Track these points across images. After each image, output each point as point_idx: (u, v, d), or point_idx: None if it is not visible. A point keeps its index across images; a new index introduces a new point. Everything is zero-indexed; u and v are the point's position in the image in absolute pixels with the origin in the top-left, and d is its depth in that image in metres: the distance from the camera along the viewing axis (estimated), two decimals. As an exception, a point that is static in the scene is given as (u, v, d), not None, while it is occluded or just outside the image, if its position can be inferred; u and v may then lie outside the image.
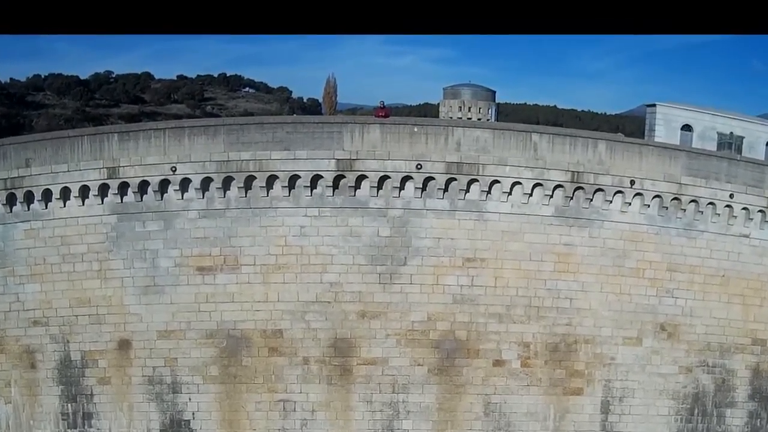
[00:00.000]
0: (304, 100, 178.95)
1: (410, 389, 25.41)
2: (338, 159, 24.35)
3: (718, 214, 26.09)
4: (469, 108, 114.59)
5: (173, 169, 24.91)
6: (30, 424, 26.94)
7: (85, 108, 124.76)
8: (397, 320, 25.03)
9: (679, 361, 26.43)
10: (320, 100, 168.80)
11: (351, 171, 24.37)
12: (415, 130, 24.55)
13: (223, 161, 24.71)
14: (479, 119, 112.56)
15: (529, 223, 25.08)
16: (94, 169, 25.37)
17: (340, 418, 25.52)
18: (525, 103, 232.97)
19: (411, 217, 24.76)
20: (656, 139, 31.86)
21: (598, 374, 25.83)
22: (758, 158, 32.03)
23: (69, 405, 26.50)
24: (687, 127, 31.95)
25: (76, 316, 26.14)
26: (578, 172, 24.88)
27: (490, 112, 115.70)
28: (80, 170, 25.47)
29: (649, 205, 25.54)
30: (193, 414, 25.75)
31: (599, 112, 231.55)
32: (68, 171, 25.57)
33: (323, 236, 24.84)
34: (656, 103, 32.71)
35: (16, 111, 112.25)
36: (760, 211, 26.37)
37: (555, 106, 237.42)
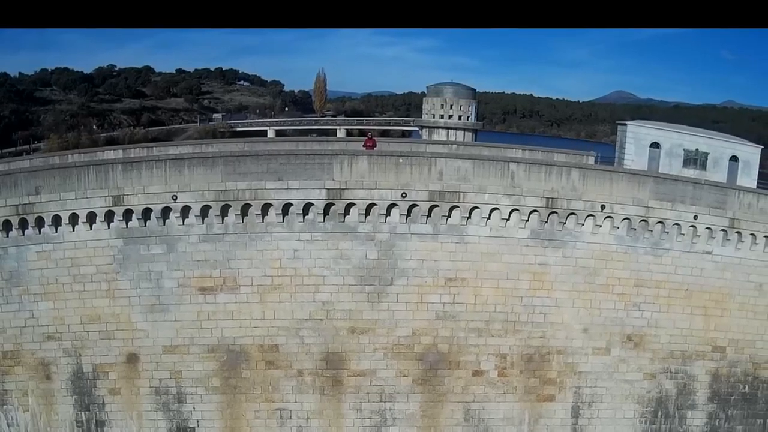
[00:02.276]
0: (296, 93, 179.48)
1: (396, 398, 26.66)
2: (328, 188, 25.36)
3: (683, 234, 27.28)
4: (451, 105, 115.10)
5: (174, 197, 25.80)
6: (47, 430, 28.20)
7: (90, 103, 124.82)
8: (384, 335, 26.23)
9: (644, 368, 27.82)
10: (311, 93, 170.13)
11: (340, 199, 25.42)
12: (401, 161, 25.54)
13: (221, 190, 25.67)
14: (460, 117, 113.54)
15: (507, 245, 26.21)
16: (100, 197, 26.16)
17: (332, 425, 26.83)
18: (504, 92, 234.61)
19: (397, 240, 25.86)
20: (626, 156, 32.89)
21: (569, 382, 27.20)
22: (722, 174, 33.17)
23: (83, 413, 27.72)
24: (655, 145, 32.87)
25: (87, 331, 27.21)
26: (552, 198, 26.02)
27: (471, 109, 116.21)
28: (87, 198, 26.25)
29: (618, 227, 26.71)
30: (198, 422, 27.04)
31: (573, 100, 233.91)
32: (76, 198, 26.35)
33: (315, 259, 25.91)
34: (627, 122, 33.68)
35: (25, 107, 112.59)
36: (722, 230, 27.59)
37: (531, 94, 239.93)
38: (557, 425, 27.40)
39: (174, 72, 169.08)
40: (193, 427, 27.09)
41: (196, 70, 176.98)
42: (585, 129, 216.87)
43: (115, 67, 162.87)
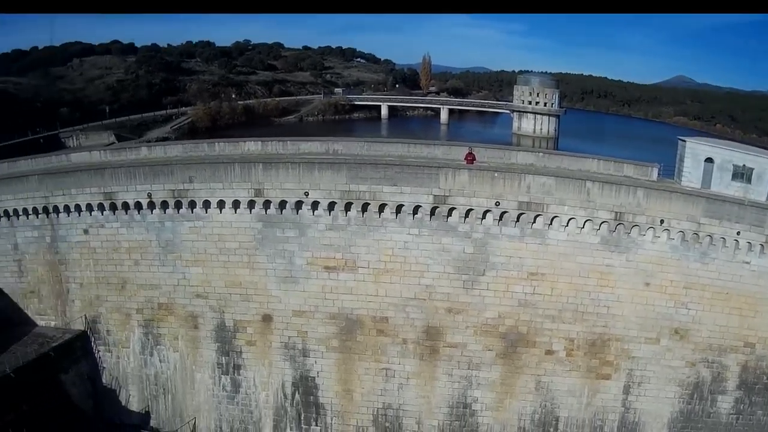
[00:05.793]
0: (405, 71, 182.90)
1: (481, 368, 28.82)
2: (435, 195, 27.29)
3: (727, 246, 28.30)
4: (537, 94, 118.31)
5: (306, 194, 28.16)
6: (192, 368, 31.58)
7: (229, 75, 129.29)
8: (475, 316, 28.29)
9: (686, 357, 29.17)
10: (417, 69, 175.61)
11: (444, 204, 27.38)
12: (495, 175, 27.29)
13: (345, 191, 27.86)
14: (545, 104, 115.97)
15: (580, 248, 27.77)
16: (244, 189, 28.70)
17: (427, 385, 29.23)
18: (581, 74, 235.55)
19: (489, 239, 27.75)
20: (684, 169, 33.14)
21: (623, 364, 28.81)
22: (765, 187, 32.97)
23: (223, 357, 30.89)
24: (709, 160, 32.94)
25: (230, 294, 30.19)
26: (621, 212, 27.41)
27: (554, 97, 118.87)
28: (233, 189, 28.85)
29: (674, 238, 27.99)
30: (318, 373, 29.87)
31: (640, 83, 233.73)
32: (223, 188, 28.97)
33: (422, 250, 28.01)
34: (686, 138, 33.82)
35: (173, 76, 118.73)
36: (760, 244, 28.47)
37: (606, 77, 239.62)
38: (610, 399, 29.16)
39: (301, 48, 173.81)
40: (314, 377, 29.95)
41: (319, 47, 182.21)
42: (651, 110, 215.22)
43: (250, 42, 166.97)
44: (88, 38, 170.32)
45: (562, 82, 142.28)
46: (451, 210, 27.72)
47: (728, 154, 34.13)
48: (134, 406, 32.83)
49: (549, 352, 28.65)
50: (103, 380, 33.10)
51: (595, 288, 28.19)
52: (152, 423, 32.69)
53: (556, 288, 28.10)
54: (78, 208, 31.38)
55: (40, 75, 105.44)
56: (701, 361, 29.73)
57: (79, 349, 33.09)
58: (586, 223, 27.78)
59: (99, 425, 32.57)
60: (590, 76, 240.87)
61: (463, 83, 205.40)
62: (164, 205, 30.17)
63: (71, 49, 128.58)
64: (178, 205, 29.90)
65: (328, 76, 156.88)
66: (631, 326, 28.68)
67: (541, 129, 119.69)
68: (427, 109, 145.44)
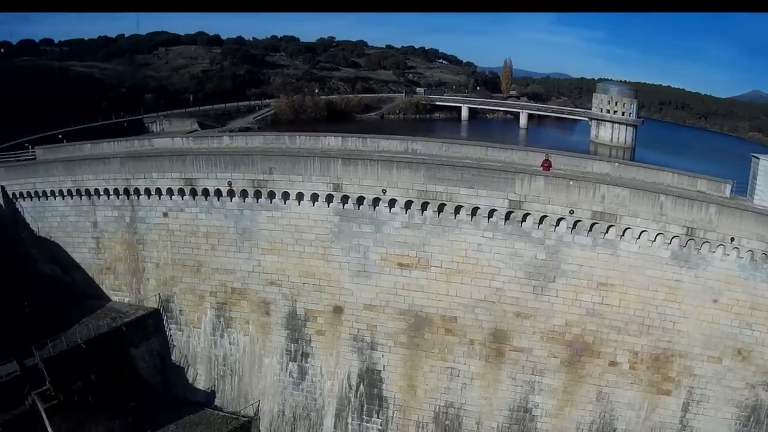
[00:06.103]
0: (486, 74, 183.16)
1: (545, 374, 28.88)
2: (510, 200, 27.63)
3: None
4: (616, 103, 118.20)
5: (384, 191, 28.78)
6: (261, 353, 32.45)
7: (312, 70, 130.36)
8: (542, 322, 28.45)
9: (746, 378, 28.63)
10: (498, 72, 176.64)
11: (519, 209, 27.70)
12: (571, 183, 27.47)
13: (422, 190, 28.40)
14: (623, 113, 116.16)
15: (650, 262, 27.64)
16: (323, 183, 29.47)
17: (490, 387, 29.46)
18: (660, 85, 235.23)
19: (562, 247, 27.91)
20: (757, 187, 32.14)
21: (684, 381, 28.55)
22: None
23: (292, 345, 31.71)
24: None
25: (303, 284, 31.00)
26: (692, 227, 27.26)
27: (632, 107, 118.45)
28: (312, 182, 29.65)
29: (743, 257, 27.58)
30: (384, 367, 30.38)
31: (718, 97, 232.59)
32: (302, 181, 29.81)
33: (494, 253, 28.36)
34: (760, 156, 33.70)
35: (257, 69, 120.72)
36: None
37: (683, 89, 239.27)
38: (668, 416, 28.87)
39: (384, 47, 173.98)
40: (380, 370, 30.45)
41: (402, 47, 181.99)
42: (727, 124, 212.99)
43: (334, 39, 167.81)
44: (174, 29, 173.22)
45: (640, 91, 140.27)
46: (525, 215, 28.02)
47: (802, 173, 33.37)
48: (201, 384, 33.84)
49: (612, 364, 28.56)
50: (172, 357, 34.22)
51: (662, 302, 28.05)
52: (217, 402, 33.64)
53: (624, 300, 28.04)
54: (158, 191, 32.61)
55: (126, 61, 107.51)
56: (761, 384, 29.17)
57: (151, 325, 34.33)
58: (658, 237, 27.70)
59: (165, 399, 33.65)
60: (668, 87, 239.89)
61: (543, 89, 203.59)
62: (243, 194, 31.22)
63: (157, 38, 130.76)
64: (257, 195, 30.89)
65: (411, 75, 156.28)
66: (695, 343, 28.47)
67: (618, 138, 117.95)
68: (506, 112, 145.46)
